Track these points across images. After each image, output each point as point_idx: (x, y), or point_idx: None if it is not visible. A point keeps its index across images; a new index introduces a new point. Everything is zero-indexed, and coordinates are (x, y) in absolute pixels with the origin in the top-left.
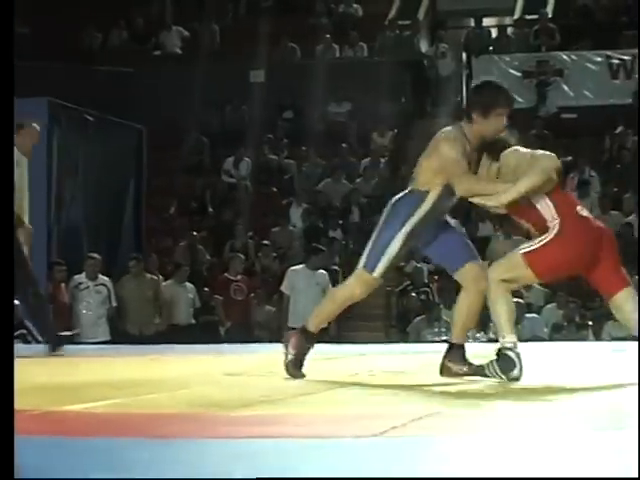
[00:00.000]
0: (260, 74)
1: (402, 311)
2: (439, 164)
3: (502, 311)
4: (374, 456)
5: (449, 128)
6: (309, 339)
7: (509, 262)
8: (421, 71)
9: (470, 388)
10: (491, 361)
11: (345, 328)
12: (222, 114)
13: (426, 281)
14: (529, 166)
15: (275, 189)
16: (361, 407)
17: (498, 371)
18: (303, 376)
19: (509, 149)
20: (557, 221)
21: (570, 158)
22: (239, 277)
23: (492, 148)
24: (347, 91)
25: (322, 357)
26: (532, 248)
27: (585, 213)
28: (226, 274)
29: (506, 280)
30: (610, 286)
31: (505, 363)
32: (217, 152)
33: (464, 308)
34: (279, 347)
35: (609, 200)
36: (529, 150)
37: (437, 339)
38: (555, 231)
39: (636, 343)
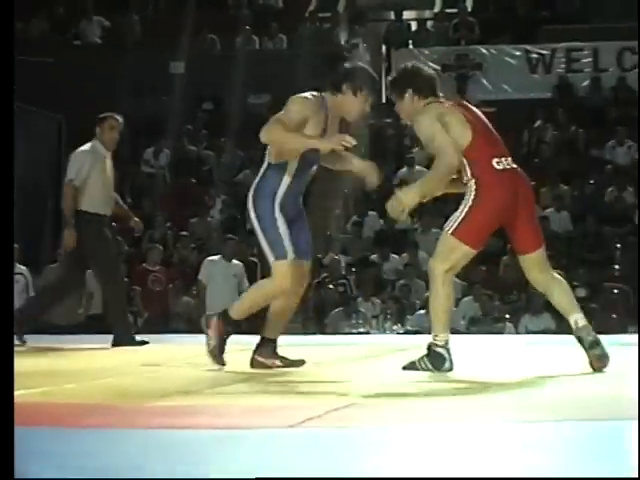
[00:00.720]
0: (180, 65)
1: (319, 303)
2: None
3: (440, 308)
4: (290, 447)
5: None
6: (229, 325)
7: (444, 248)
8: (340, 64)
9: (388, 380)
10: (422, 356)
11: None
12: (142, 105)
13: (343, 273)
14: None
15: (194, 180)
16: (277, 398)
17: (429, 366)
18: (224, 364)
19: None
20: (472, 181)
21: None
22: (157, 268)
23: None
24: (266, 83)
25: (238, 348)
26: (457, 224)
27: (501, 165)
28: (144, 265)
29: (449, 269)
30: (524, 245)
31: (435, 359)
32: (137, 143)
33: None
34: (197, 338)
35: None
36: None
37: (355, 331)
38: (472, 196)
39: (552, 336)
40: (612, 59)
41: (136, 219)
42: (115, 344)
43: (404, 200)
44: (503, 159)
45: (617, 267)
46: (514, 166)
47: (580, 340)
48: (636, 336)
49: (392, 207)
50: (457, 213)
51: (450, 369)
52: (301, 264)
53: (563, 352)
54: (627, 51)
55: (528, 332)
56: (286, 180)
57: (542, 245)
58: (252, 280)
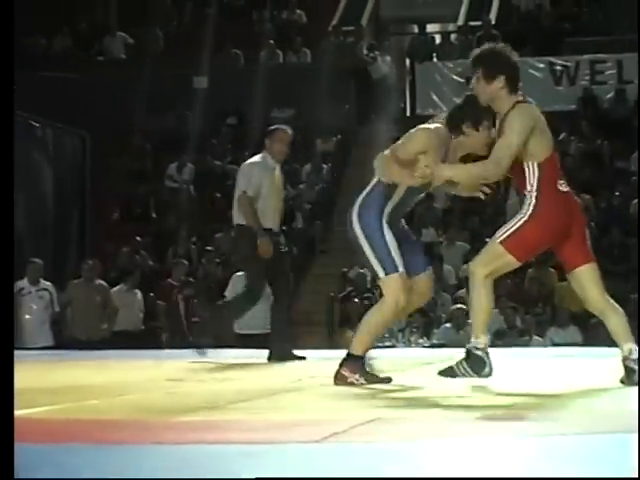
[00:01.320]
0: (203, 80)
1: (345, 317)
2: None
3: (481, 312)
4: (316, 462)
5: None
6: (359, 362)
7: (489, 254)
8: (365, 77)
9: (413, 394)
10: (460, 360)
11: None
12: (166, 120)
13: (369, 287)
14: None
15: (219, 195)
16: (303, 413)
17: (469, 370)
18: (388, 379)
19: None
20: (534, 194)
21: None
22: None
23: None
24: (290, 97)
25: (265, 363)
26: (509, 234)
27: (565, 188)
28: (169, 280)
29: (489, 274)
30: (574, 259)
31: (475, 362)
32: (161, 158)
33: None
34: (224, 353)
35: None
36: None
37: (380, 345)
38: (530, 210)
39: (578, 349)
40: (636, 71)
41: None
42: (271, 359)
43: (436, 169)
44: (563, 182)
45: None
46: (570, 190)
47: (629, 371)
48: None
49: (421, 169)
50: (510, 223)
51: (489, 374)
52: (410, 280)
53: (589, 364)
54: None
55: (554, 344)
56: (394, 200)
57: (593, 260)
58: None
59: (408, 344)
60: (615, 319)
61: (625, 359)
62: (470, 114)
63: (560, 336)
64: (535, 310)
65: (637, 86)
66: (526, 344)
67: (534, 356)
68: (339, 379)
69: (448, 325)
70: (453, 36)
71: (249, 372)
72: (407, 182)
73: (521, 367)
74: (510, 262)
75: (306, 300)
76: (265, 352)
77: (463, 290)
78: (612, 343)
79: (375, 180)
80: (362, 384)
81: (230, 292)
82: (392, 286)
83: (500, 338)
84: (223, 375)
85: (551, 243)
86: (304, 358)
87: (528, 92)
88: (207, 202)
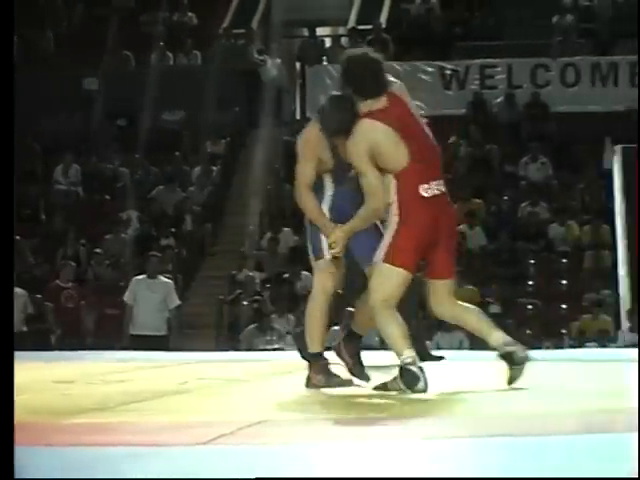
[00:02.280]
0: (94, 81)
1: (234, 319)
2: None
3: (392, 331)
4: (201, 464)
5: None
6: (321, 361)
7: (380, 276)
8: (255, 80)
9: (300, 396)
10: (394, 378)
11: (176, 336)
12: (56, 121)
13: (258, 289)
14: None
15: (108, 197)
16: (190, 415)
17: (403, 386)
18: (369, 379)
19: None
20: (395, 204)
21: None
22: (70, 284)
23: None
24: (181, 99)
25: (152, 365)
26: (385, 250)
27: (428, 193)
28: (57, 281)
29: (387, 298)
30: (435, 269)
31: (409, 378)
32: (50, 159)
33: None
34: (112, 355)
35: None
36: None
37: (269, 347)
38: (394, 219)
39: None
40: (526, 76)
41: None
42: None
43: (332, 238)
44: (433, 183)
45: (531, 283)
46: (443, 190)
47: (507, 356)
48: (551, 352)
49: (330, 244)
50: (385, 240)
51: (424, 389)
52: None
53: (475, 368)
54: (540, 68)
55: (439, 348)
56: (328, 193)
57: (452, 277)
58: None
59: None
60: (471, 318)
61: (499, 348)
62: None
63: (446, 340)
64: (421, 314)
65: (526, 91)
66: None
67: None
68: (308, 382)
69: (337, 328)
70: (343, 39)
71: (138, 374)
72: None
73: None
74: (401, 275)
75: (194, 303)
76: (154, 355)
77: None
78: None
79: None
80: (323, 386)
81: (127, 296)
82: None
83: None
84: (113, 377)
85: (426, 244)
86: (442, 358)
87: (418, 96)
88: (96, 204)
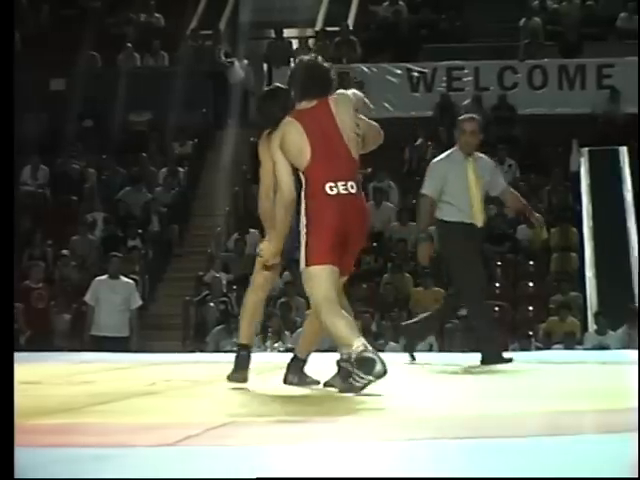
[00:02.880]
0: (61, 82)
1: (201, 321)
2: None
3: (338, 327)
4: (168, 465)
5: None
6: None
7: (307, 281)
8: (222, 81)
9: (267, 398)
10: (350, 373)
11: (142, 337)
12: (22, 122)
13: (225, 291)
14: None
15: (75, 198)
16: (157, 416)
17: (362, 375)
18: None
19: None
20: (303, 200)
21: (370, 169)
22: (40, 285)
23: None
24: (148, 100)
25: (118, 366)
26: (304, 255)
27: (333, 191)
28: (27, 282)
29: (327, 296)
30: (343, 267)
31: (365, 365)
32: (16, 160)
33: None
34: (78, 356)
35: (408, 212)
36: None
37: (235, 349)
38: (304, 222)
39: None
40: (493, 78)
41: (537, 215)
42: (484, 363)
43: (266, 254)
44: (340, 183)
45: (497, 285)
46: (353, 192)
47: (368, 362)
48: (516, 354)
49: (261, 260)
50: (301, 245)
51: (383, 371)
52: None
53: (443, 370)
54: (508, 70)
55: (405, 350)
56: None
57: (347, 275)
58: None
59: (263, 348)
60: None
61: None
62: None
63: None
64: (390, 315)
65: (494, 93)
66: (381, 349)
67: (388, 362)
68: (285, 379)
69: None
70: (311, 41)
71: (104, 375)
72: None
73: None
74: (325, 271)
75: (161, 304)
76: (119, 357)
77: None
78: (466, 349)
79: None
80: (297, 384)
81: (88, 296)
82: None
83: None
84: (78, 378)
85: (339, 238)
86: (511, 360)
87: (385, 98)
88: (63, 205)
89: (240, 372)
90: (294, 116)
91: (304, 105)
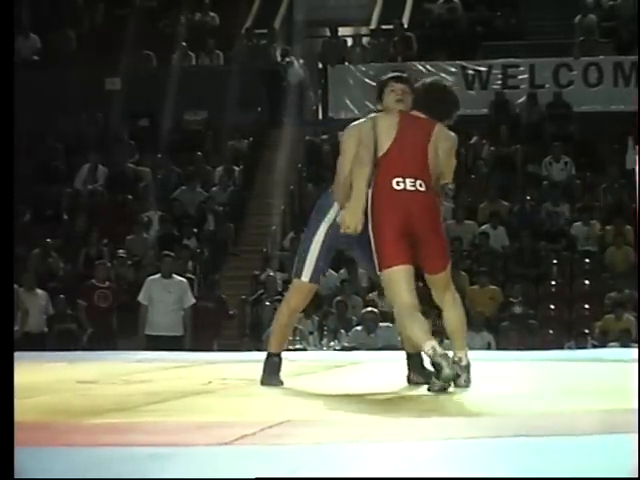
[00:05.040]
0: (116, 81)
1: (256, 320)
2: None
3: (414, 328)
4: (223, 465)
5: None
6: (275, 358)
7: (388, 286)
8: (277, 80)
9: (323, 397)
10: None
11: (199, 337)
12: (78, 121)
13: (280, 289)
14: None
15: (130, 197)
16: (213, 415)
17: (433, 380)
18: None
19: None
20: (369, 203)
21: None
22: (106, 284)
23: None
24: (203, 99)
25: (175, 365)
26: (378, 259)
27: (400, 186)
28: (93, 280)
29: (407, 299)
30: (427, 267)
31: (434, 370)
32: (72, 159)
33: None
34: (134, 355)
35: (463, 210)
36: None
37: (291, 347)
38: (370, 227)
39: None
40: (548, 75)
41: None
42: None
43: (351, 223)
44: (408, 180)
45: (553, 283)
46: (420, 189)
47: (436, 366)
48: (573, 352)
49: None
50: (372, 248)
51: (450, 375)
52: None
53: (499, 369)
54: (563, 67)
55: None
56: (335, 207)
57: (444, 270)
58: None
59: (319, 347)
60: (450, 315)
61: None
62: None
63: (473, 340)
64: None
65: (549, 90)
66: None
67: None
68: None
69: (359, 328)
70: (365, 39)
71: (160, 374)
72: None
73: None
74: (400, 271)
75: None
76: (176, 355)
77: (374, 293)
78: (522, 347)
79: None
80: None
81: (141, 296)
82: (292, 288)
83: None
84: (135, 377)
85: (405, 236)
86: None
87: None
88: (119, 204)
89: (274, 377)
90: (401, 113)
91: (416, 113)
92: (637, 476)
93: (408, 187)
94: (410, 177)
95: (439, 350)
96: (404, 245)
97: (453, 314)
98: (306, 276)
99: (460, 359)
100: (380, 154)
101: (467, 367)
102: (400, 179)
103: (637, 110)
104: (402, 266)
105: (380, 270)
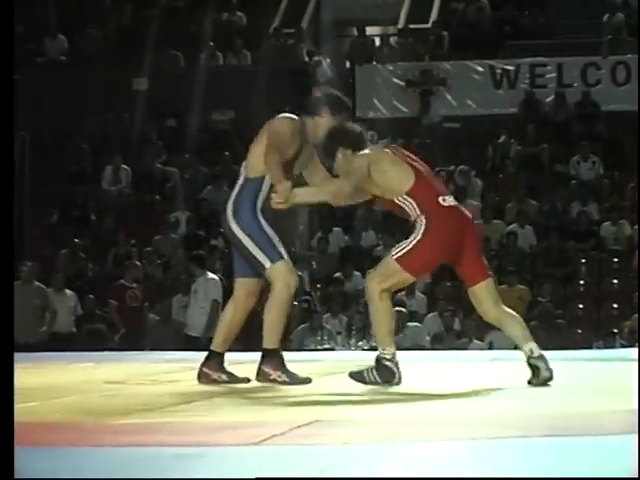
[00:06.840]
0: (143, 81)
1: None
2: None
3: (383, 323)
4: (253, 464)
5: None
6: (279, 358)
7: (385, 270)
8: (305, 79)
9: (352, 396)
10: (370, 368)
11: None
12: (105, 122)
13: (307, 289)
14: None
15: (158, 197)
16: (241, 415)
17: (377, 378)
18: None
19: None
20: (422, 217)
21: (453, 167)
22: (135, 284)
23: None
24: (230, 99)
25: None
26: (404, 251)
27: (448, 202)
28: (122, 281)
29: (386, 289)
30: (472, 277)
31: (384, 372)
32: (100, 159)
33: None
34: (162, 356)
35: (491, 210)
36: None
37: (319, 347)
38: (422, 229)
39: (514, 352)
40: (576, 74)
41: None
42: None
43: (286, 194)
44: (447, 197)
45: (582, 282)
46: (455, 203)
47: (535, 369)
48: (601, 352)
49: (278, 195)
50: (406, 242)
51: (398, 383)
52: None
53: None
54: (591, 66)
55: (491, 348)
56: (264, 192)
57: (489, 276)
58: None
59: (347, 347)
60: (511, 325)
61: (529, 359)
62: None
63: (500, 340)
64: (474, 313)
65: (577, 90)
66: (464, 347)
67: (473, 359)
68: (261, 375)
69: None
70: (393, 39)
71: (188, 374)
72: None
73: (460, 370)
74: (406, 278)
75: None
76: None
77: (402, 293)
78: (550, 347)
79: (242, 179)
80: (284, 382)
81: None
82: (280, 272)
83: (439, 341)
84: (162, 377)
85: (446, 258)
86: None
87: (468, 95)
88: (146, 204)
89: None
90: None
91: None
92: (637, 476)
93: (451, 203)
94: (444, 195)
95: (536, 352)
96: (433, 267)
97: (515, 320)
98: (278, 259)
99: (531, 350)
100: (410, 182)
101: (542, 357)
102: (442, 197)
103: (637, 110)
104: (411, 277)
105: (397, 260)
